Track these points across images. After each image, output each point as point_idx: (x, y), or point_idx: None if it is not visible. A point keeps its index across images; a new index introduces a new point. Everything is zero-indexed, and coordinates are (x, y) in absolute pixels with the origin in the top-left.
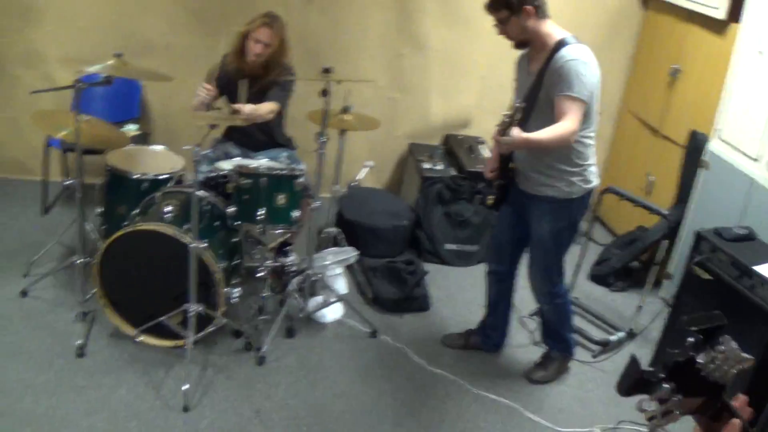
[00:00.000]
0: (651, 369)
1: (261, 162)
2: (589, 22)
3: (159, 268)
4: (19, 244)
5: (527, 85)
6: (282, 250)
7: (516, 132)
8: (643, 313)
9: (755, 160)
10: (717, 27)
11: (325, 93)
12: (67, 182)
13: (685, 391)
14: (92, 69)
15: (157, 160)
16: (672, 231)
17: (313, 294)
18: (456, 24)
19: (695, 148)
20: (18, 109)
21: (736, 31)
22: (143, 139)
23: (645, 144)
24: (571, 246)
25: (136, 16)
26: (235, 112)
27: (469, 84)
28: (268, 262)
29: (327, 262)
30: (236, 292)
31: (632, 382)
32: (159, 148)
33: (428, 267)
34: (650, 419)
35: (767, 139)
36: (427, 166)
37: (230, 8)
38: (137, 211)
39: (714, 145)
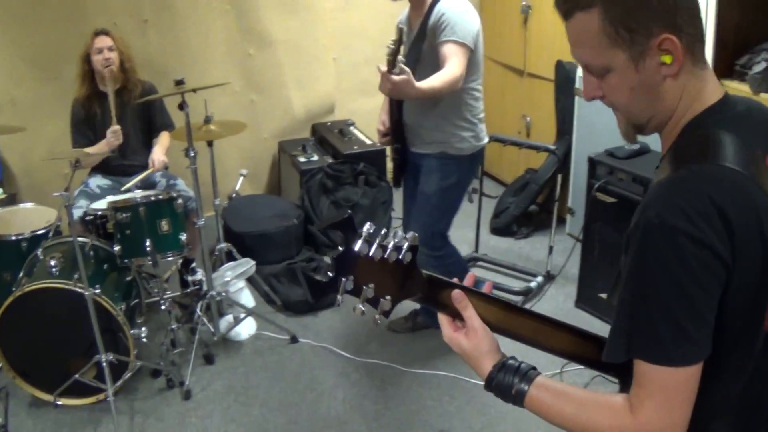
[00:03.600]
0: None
1: (135, 193)
2: None
3: (60, 325)
4: None
5: (410, 41)
6: (188, 269)
7: (400, 78)
8: (556, 253)
9: None
10: None
11: (182, 106)
12: None
13: (368, 278)
14: None
15: (30, 217)
16: (562, 165)
17: (221, 314)
18: (296, 12)
19: (564, 77)
20: None
21: None
22: (11, 200)
23: (513, 87)
24: (456, 210)
25: None
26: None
27: (323, 69)
28: (168, 294)
29: (227, 279)
30: (143, 331)
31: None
32: (28, 204)
33: (328, 260)
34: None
35: None
36: (302, 159)
37: (65, 48)
38: (22, 273)
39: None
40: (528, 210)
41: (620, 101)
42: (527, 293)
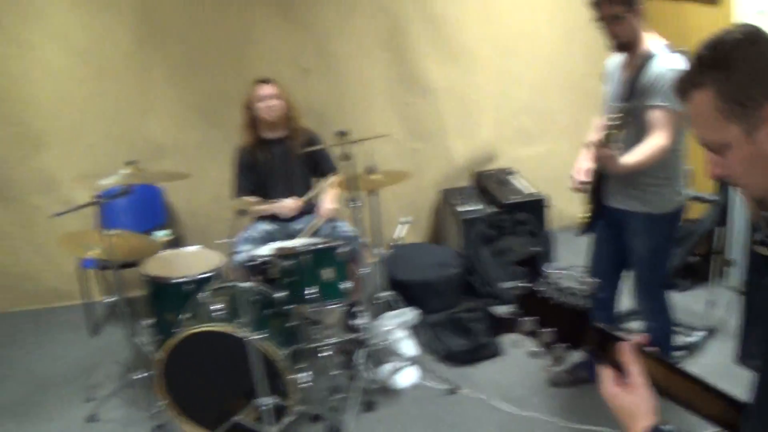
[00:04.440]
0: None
1: (299, 240)
2: (585, 27)
3: (221, 367)
4: (75, 370)
5: (619, 94)
6: (354, 313)
7: (607, 155)
8: (716, 306)
9: None
10: None
11: (346, 157)
12: (110, 300)
13: (548, 321)
14: (107, 182)
15: (194, 260)
16: (723, 215)
17: (382, 362)
18: (456, 59)
19: None
20: (43, 237)
21: None
22: (176, 242)
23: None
24: (669, 259)
25: (141, 122)
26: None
27: (485, 116)
28: (331, 340)
29: (389, 328)
30: (305, 376)
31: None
32: (194, 247)
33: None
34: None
35: None
36: (463, 208)
37: (229, 95)
38: (186, 315)
39: None
40: (688, 261)
41: (739, 176)
42: (689, 348)
